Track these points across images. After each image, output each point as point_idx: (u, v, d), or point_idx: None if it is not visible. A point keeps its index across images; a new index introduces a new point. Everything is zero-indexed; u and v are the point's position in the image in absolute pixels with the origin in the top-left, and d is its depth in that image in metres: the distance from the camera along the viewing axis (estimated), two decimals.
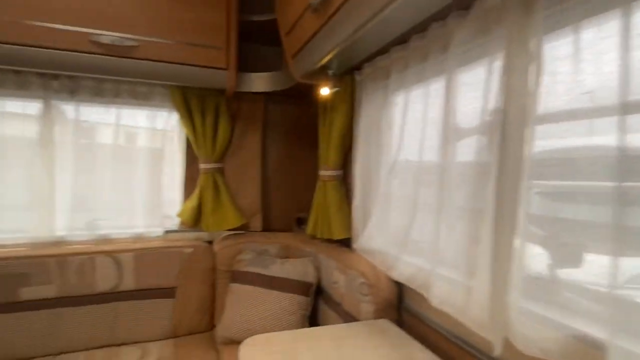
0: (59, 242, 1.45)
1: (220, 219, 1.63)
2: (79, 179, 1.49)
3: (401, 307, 1.14)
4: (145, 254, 1.48)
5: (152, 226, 1.62)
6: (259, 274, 1.47)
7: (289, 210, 1.85)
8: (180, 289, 1.52)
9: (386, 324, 1.05)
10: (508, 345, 0.69)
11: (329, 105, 1.43)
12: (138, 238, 1.56)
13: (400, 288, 1.15)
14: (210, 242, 1.66)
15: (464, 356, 0.88)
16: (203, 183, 1.61)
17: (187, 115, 1.55)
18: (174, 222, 1.67)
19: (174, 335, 1.50)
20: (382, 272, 1.14)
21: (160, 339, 1.48)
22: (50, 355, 1.34)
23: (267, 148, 1.80)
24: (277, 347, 0.91)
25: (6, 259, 1.31)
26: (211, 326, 1.59)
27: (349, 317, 1.20)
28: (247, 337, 1.40)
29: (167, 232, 1.64)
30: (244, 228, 1.72)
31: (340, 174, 1.45)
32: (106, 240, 1.52)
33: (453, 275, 0.86)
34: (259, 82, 1.57)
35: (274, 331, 1.08)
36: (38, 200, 1.42)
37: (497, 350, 0.69)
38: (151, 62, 1.32)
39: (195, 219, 1.62)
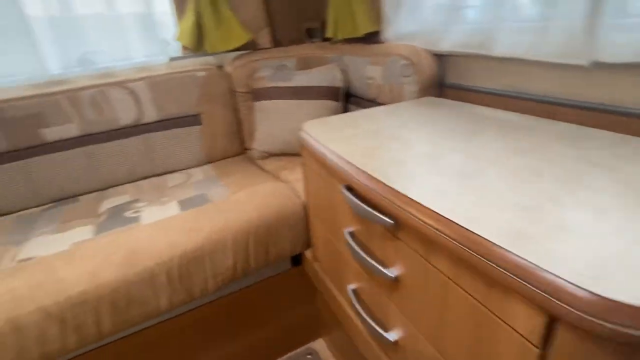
0: (60, 81, 1.32)
1: (225, 35, 1.47)
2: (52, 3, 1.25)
3: (442, 85, 1.13)
4: (157, 81, 1.38)
5: (153, 54, 1.46)
6: (283, 87, 1.41)
7: (296, 22, 1.66)
8: (204, 115, 1.48)
9: (432, 99, 1.05)
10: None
11: None
12: (143, 68, 1.43)
13: (441, 65, 1.11)
14: (220, 67, 1.54)
15: (516, 103, 0.90)
16: None
17: None
18: (175, 48, 1.50)
19: (209, 161, 1.54)
20: (422, 51, 1.08)
21: (197, 166, 1.52)
22: (98, 190, 1.38)
23: None
24: (335, 123, 0.91)
25: (10, 100, 1.20)
26: (243, 149, 1.62)
27: None
28: (284, 148, 1.45)
29: (172, 59, 1.50)
30: (252, 47, 1.57)
31: None
32: (109, 73, 1.38)
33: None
34: None
35: None
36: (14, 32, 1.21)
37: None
38: None
39: (197, 40, 1.45)
